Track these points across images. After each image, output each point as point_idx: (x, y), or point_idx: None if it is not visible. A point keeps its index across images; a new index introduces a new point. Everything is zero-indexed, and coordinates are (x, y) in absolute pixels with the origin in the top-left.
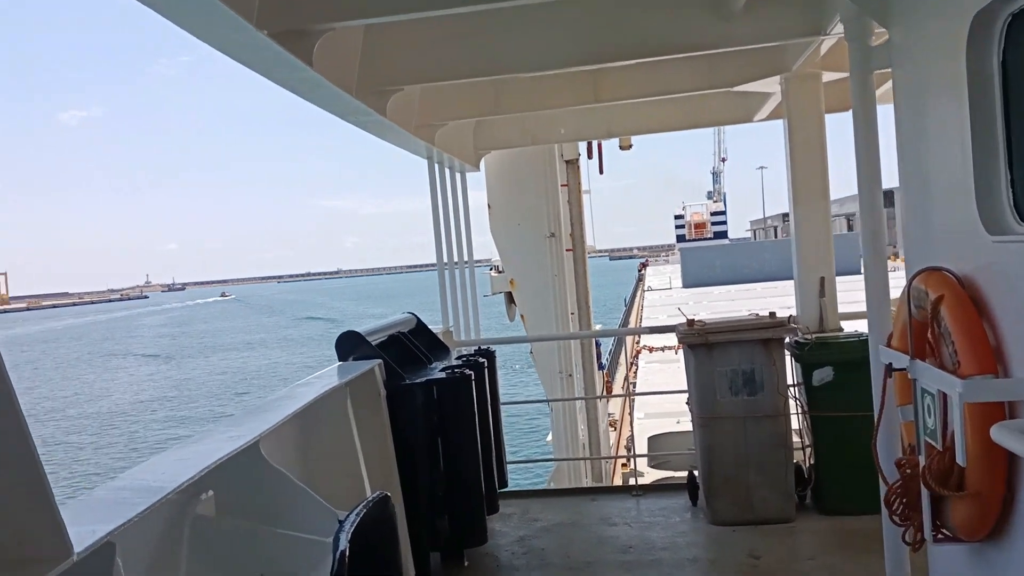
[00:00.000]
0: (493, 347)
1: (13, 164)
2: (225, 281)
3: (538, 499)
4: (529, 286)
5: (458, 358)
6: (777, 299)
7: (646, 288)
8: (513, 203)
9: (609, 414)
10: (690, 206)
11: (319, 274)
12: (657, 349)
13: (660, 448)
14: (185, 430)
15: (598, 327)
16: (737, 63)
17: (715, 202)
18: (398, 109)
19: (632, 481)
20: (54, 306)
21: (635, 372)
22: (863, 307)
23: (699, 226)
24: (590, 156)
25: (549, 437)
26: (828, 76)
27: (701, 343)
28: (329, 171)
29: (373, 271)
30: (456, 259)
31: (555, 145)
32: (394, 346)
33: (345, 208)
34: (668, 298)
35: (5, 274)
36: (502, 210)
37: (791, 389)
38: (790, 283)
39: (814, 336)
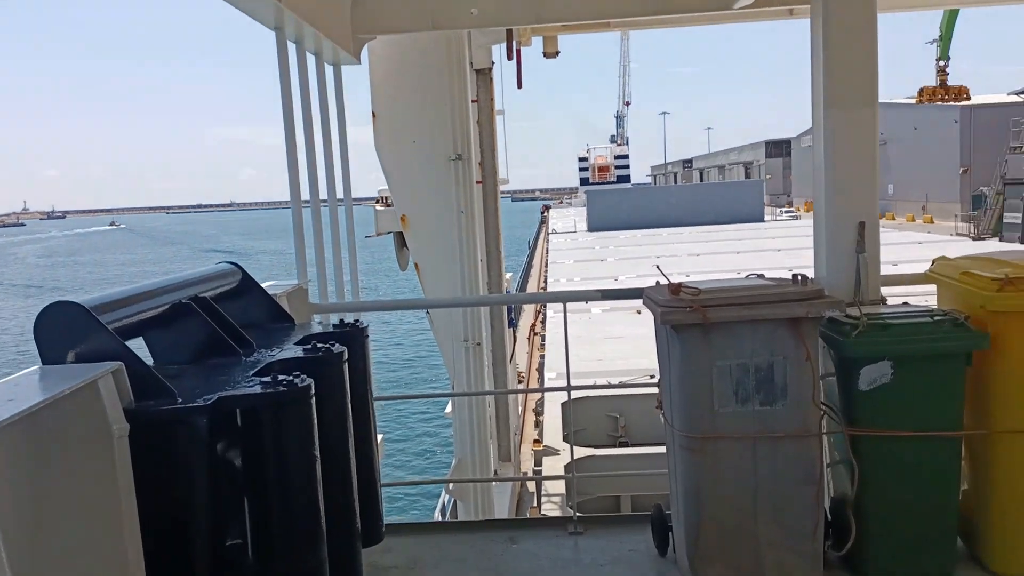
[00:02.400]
0: (365, 319)
1: None
2: (110, 211)
3: (431, 537)
4: (427, 225)
5: (305, 339)
6: (684, 245)
7: (550, 231)
8: (407, 113)
9: (518, 372)
10: (594, 149)
11: (211, 206)
12: None
13: (578, 421)
14: None
15: (508, 277)
16: None
17: (619, 146)
18: None
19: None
20: None
21: (542, 321)
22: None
23: (603, 169)
24: (510, 57)
25: (448, 408)
26: None
27: (694, 323)
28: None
29: (271, 204)
30: (325, 192)
31: (464, 43)
32: (178, 325)
33: (243, 138)
34: (574, 241)
35: None
36: (392, 122)
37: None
38: (699, 229)
39: (863, 313)
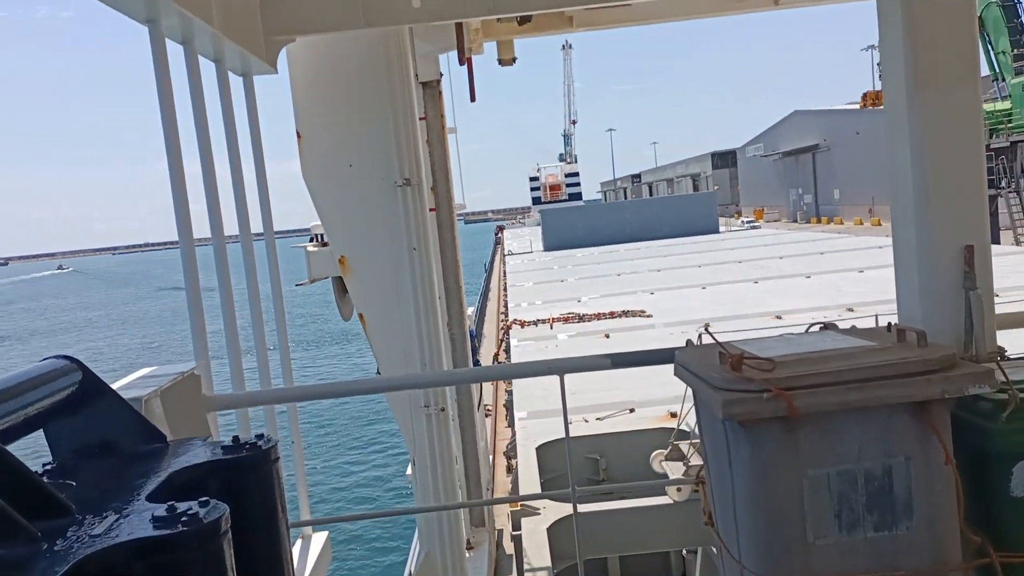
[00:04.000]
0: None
1: None
2: (55, 254)
3: None
4: (371, 266)
5: (168, 484)
6: (643, 260)
7: (506, 252)
8: (341, 133)
9: (484, 404)
10: (545, 168)
11: (158, 244)
12: (530, 323)
13: (551, 463)
14: None
15: (469, 312)
16: None
17: (568, 164)
18: None
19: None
20: None
21: (506, 349)
22: None
23: (554, 188)
24: (461, 61)
25: (409, 471)
26: None
27: (774, 416)
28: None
29: (225, 238)
30: (237, 227)
31: (407, 51)
32: None
33: (188, 171)
34: (531, 262)
35: None
36: (322, 144)
37: None
38: (656, 244)
39: (1010, 382)
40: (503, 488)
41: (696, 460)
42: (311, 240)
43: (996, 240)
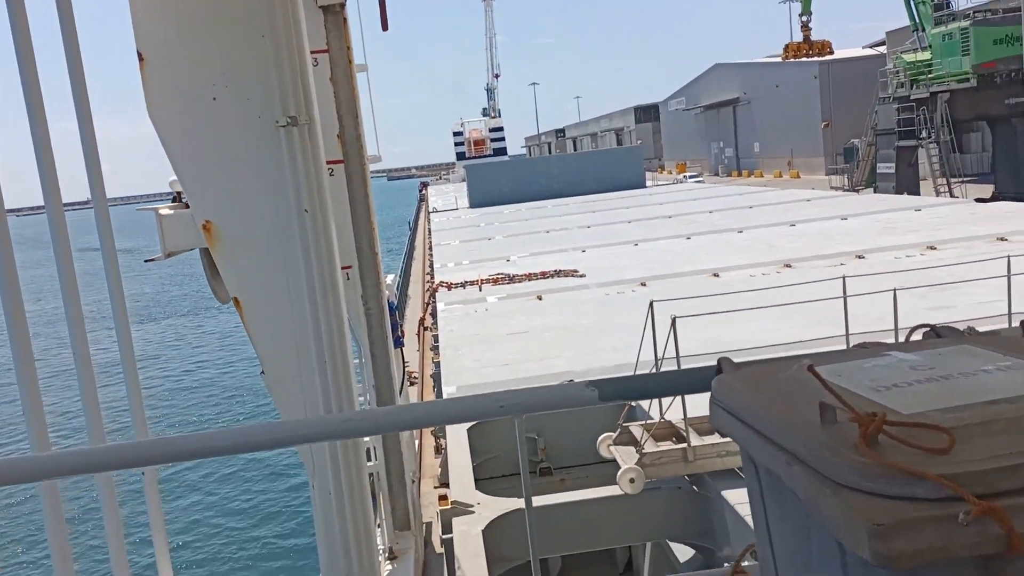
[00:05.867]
0: None
1: None
2: None
3: None
4: (246, 234)
5: None
6: (571, 217)
7: (431, 210)
8: (199, 51)
9: (409, 371)
10: (468, 123)
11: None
12: (457, 285)
13: (486, 445)
14: None
15: (389, 280)
16: None
17: (492, 119)
18: None
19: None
20: None
21: (432, 313)
22: None
23: (479, 143)
24: None
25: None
26: None
27: (976, 554)
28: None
29: (128, 200)
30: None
31: None
32: None
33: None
34: (457, 220)
35: None
36: (174, 68)
37: None
38: (583, 199)
39: None
40: (431, 472)
41: (651, 446)
42: (172, 200)
43: (916, 191)
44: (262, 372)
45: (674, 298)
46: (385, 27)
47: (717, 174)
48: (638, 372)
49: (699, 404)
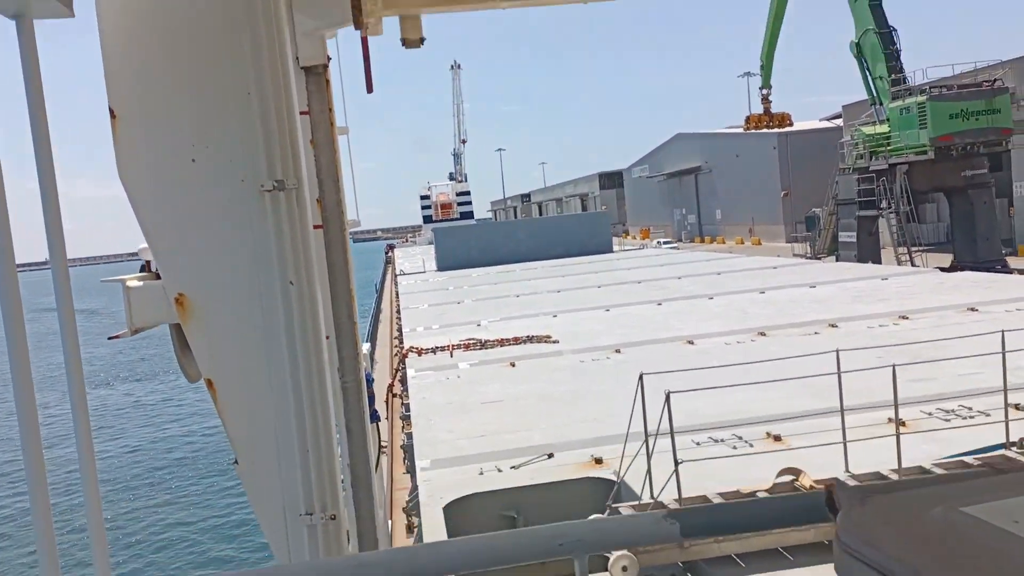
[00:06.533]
0: None
1: None
2: None
3: None
4: (224, 308)
5: None
6: (540, 281)
7: (398, 272)
8: (177, 110)
9: (381, 444)
10: (436, 186)
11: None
12: (428, 351)
13: (464, 524)
14: None
15: (365, 350)
16: None
17: (459, 183)
18: None
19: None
20: None
21: (402, 380)
22: None
23: (445, 207)
24: (358, 26)
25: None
26: None
27: None
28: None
29: (91, 260)
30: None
31: (283, 23)
32: None
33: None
34: (424, 283)
35: None
36: (149, 127)
37: None
38: (551, 264)
39: None
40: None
41: None
42: (142, 270)
43: (878, 259)
44: (235, 461)
45: (663, 371)
46: (370, 89)
47: (680, 240)
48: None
49: (694, 480)
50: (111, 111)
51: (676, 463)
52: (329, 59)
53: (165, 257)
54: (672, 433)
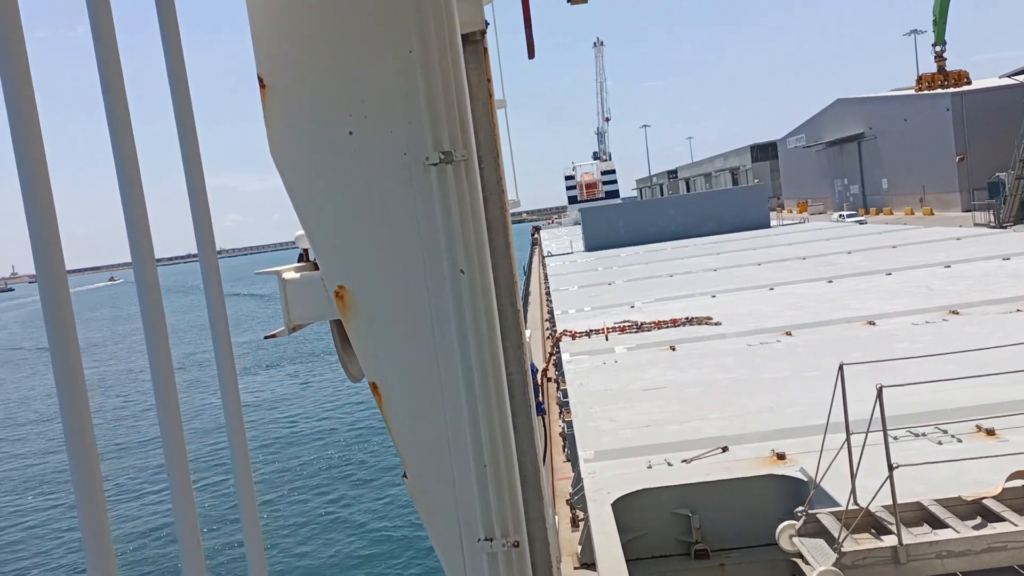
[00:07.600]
0: None
1: None
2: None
3: None
4: (388, 302)
5: None
6: (694, 259)
7: (545, 254)
8: (333, 77)
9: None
10: (580, 166)
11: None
12: (581, 334)
13: (631, 520)
14: None
15: (528, 336)
16: None
17: (604, 161)
18: None
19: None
20: None
21: (556, 364)
22: None
23: (591, 186)
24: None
25: None
26: None
27: None
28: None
29: (255, 249)
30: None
31: None
32: None
33: (228, 185)
34: (573, 264)
35: None
36: (303, 97)
37: None
38: (703, 241)
39: None
40: (569, 549)
41: (851, 543)
42: (300, 259)
43: None
44: (404, 475)
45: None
46: (532, 54)
47: (842, 212)
48: (825, 442)
49: (909, 484)
50: (260, 80)
51: (891, 467)
52: (487, 24)
53: (322, 244)
54: (884, 431)
